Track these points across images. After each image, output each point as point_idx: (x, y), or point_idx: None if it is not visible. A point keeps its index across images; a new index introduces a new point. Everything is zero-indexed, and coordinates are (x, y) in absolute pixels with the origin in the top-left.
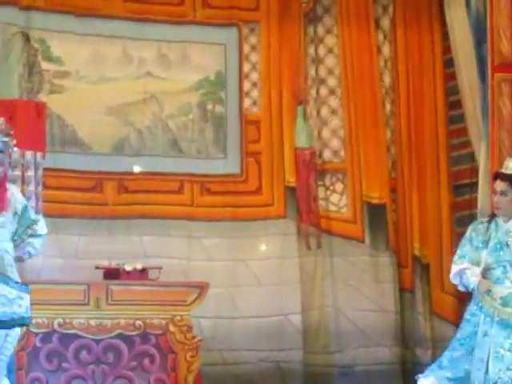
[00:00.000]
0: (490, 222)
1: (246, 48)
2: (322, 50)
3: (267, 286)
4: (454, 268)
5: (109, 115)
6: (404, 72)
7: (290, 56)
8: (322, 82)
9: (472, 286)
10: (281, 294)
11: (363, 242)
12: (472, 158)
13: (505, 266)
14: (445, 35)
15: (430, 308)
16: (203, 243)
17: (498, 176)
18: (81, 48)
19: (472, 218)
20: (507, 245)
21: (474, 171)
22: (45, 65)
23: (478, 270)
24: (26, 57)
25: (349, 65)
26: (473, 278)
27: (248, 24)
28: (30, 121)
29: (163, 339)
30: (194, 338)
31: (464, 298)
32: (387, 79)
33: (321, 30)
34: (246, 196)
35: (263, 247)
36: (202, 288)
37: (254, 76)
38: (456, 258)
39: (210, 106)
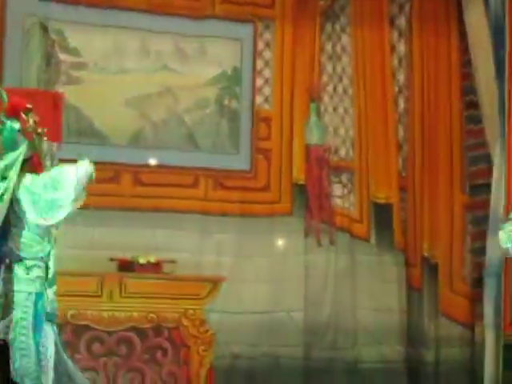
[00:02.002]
0: None
1: (260, 44)
2: (338, 48)
3: (272, 283)
4: None
5: (126, 107)
6: (419, 70)
7: (304, 53)
8: (340, 79)
9: None
10: (285, 290)
11: (368, 241)
12: (489, 158)
13: None
14: (462, 34)
15: (436, 308)
16: (214, 238)
17: None
18: (98, 39)
19: (487, 218)
20: None
21: (491, 172)
22: (62, 56)
23: None
24: (43, 47)
25: (360, 64)
26: None
27: (263, 20)
28: (46, 111)
29: (176, 332)
30: (207, 331)
31: (473, 297)
32: (401, 77)
33: (338, 28)
34: (254, 192)
35: (269, 244)
36: (215, 282)
37: (267, 73)
38: None
39: (226, 101)
